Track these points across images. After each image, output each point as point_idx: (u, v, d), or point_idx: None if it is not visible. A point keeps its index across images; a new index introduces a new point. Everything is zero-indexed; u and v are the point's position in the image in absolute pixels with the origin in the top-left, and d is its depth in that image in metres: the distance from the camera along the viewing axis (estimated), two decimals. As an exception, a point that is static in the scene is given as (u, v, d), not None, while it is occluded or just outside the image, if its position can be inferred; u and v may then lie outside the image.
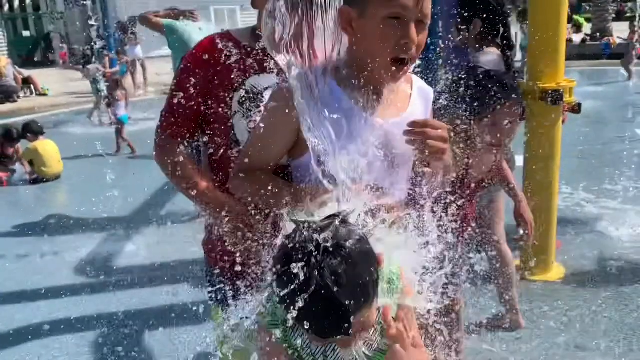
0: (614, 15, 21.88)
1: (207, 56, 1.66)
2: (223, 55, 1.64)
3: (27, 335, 3.57)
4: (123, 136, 8.73)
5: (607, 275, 3.92)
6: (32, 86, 15.94)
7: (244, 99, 1.66)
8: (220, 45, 1.65)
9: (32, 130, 7.59)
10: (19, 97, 15.07)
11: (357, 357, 1.34)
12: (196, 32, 5.21)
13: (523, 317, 3.28)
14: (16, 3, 26.31)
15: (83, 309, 3.85)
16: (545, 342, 3.17)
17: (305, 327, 1.18)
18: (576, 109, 3.98)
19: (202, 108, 1.67)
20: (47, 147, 7.45)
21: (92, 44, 11.16)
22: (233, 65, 1.63)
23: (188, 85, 1.65)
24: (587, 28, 20.63)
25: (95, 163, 8.24)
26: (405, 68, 1.47)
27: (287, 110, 1.43)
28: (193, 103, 1.65)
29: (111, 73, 10.96)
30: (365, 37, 1.42)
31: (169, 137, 1.70)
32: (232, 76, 1.64)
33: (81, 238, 5.22)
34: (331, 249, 1.16)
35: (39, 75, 16.79)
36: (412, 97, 1.59)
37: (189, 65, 1.69)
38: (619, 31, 15.91)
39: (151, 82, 15.41)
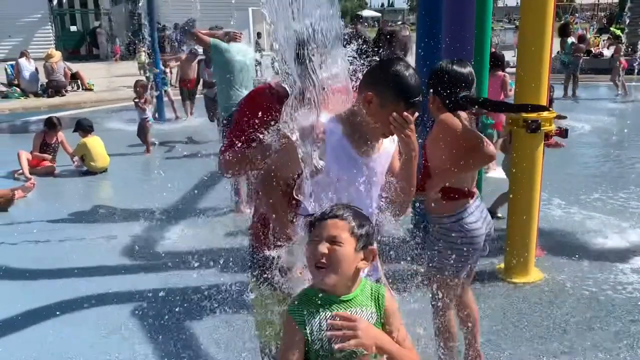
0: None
1: (258, 100, 2.39)
2: (268, 100, 2.34)
3: (74, 307, 4.20)
4: (147, 135, 9.36)
5: (582, 279, 4.41)
6: (79, 81, 16.96)
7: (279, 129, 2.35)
8: (266, 93, 2.38)
9: (82, 127, 8.27)
10: (67, 91, 16.09)
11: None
12: (238, 54, 5.92)
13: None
14: (64, -1, 27.66)
15: (126, 286, 4.46)
16: (518, 337, 3.66)
17: None
18: (563, 134, 4.56)
19: (253, 132, 2.35)
20: (94, 143, 8.16)
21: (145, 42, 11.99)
22: (274, 106, 2.29)
23: (246, 119, 2.36)
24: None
25: (137, 158, 9.07)
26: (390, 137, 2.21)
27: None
28: (248, 131, 2.36)
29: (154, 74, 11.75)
30: (376, 117, 2.12)
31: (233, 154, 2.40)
32: (273, 113, 2.30)
33: (126, 225, 5.85)
34: None
35: (84, 69, 17.80)
36: (384, 142, 2.29)
37: (247, 106, 2.43)
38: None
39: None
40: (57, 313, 4.12)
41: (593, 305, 4.06)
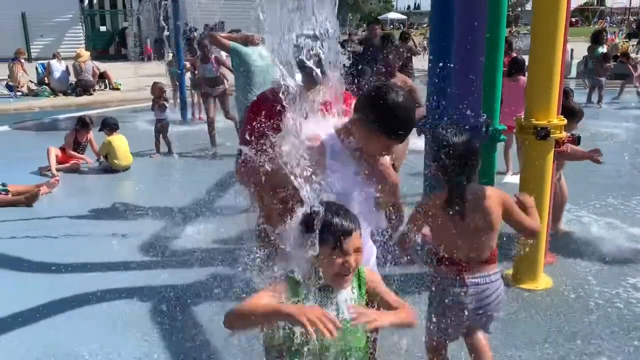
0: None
1: (266, 103, 2.55)
2: (271, 105, 2.47)
3: (86, 302, 4.33)
4: (167, 136, 9.49)
5: (592, 288, 4.40)
6: (106, 80, 17.30)
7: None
8: (269, 99, 2.54)
9: (108, 125, 8.46)
10: (94, 90, 16.44)
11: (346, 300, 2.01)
12: (257, 57, 6.05)
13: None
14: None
15: (139, 282, 4.59)
16: (523, 344, 3.69)
17: None
18: (575, 141, 4.58)
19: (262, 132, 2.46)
20: (119, 142, 8.35)
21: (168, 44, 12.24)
22: (279, 109, 2.38)
23: (254, 123, 2.48)
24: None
25: (159, 157, 9.25)
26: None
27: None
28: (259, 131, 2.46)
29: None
30: (363, 140, 2.28)
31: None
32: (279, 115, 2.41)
33: (144, 223, 6.02)
34: None
35: (112, 69, 18.16)
36: None
37: (255, 108, 2.59)
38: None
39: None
40: (70, 307, 4.27)
41: (603, 314, 4.05)
